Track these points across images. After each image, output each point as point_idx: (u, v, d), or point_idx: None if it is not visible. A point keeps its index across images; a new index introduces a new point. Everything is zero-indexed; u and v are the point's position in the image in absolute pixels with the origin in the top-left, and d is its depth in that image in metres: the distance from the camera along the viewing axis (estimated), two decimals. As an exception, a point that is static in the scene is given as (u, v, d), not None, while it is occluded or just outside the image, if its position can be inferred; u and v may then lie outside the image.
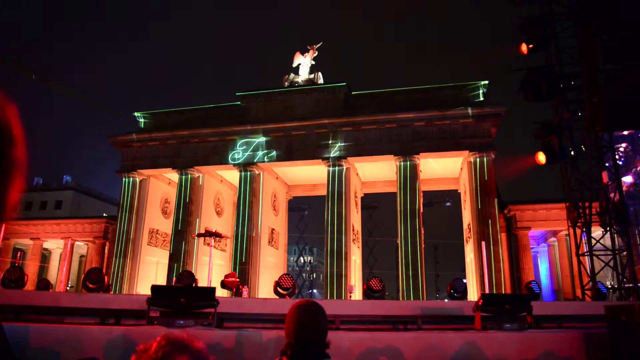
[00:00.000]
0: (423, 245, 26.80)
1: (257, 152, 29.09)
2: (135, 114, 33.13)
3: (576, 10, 18.75)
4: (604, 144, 18.64)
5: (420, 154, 26.99)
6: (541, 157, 18.65)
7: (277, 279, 12.68)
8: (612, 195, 17.90)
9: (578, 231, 18.75)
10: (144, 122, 32.90)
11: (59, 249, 42.46)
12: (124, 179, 31.52)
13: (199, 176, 30.85)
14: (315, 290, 70.24)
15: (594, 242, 18.01)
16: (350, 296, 20.34)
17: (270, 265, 30.74)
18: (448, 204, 37.67)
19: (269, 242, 31.67)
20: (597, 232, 18.90)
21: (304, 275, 55.24)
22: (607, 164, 18.72)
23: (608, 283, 20.23)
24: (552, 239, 32.97)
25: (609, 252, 17.60)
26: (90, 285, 12.66)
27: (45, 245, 41.11)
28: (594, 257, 17.92)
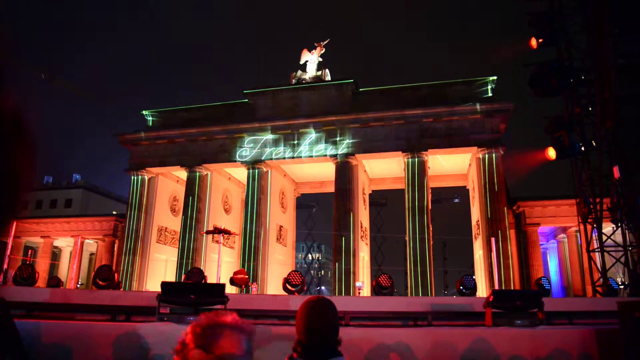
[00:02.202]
0: (431, 242, 26.71)
1: (265, 150, 29.11)
2: (144, 112, 33.26)
3: (586, 4, 18.57)
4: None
5: (429, 150, 26.87)
6: (551, 153, 18.54)
7: (286, 276, 12.70)
8: (623, 190, 17.72)
9: (588, 227, 18.59)
10: (152, 120, 33.03)
11: (69, 247, 42.81)
12: (132, 177, 31.69)
13: (207, 174, 30.94)
14: (323, 287, 70.29)
15: (604, 238, 17.85)
16: (359, 293, 20.35)
17: (279, 262, 30.80)
18: (456, 200, 37.47)
19: (277, 239, 31.72)
20: (607, 228, 18.72)
21: (312, 272, 55.29)
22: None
23: (618, 279, 20.08)
24: (562, 235, 32.71)
25: (620, 248, 17.43)
26: (101, 283, 12.75)
27: (56, 243, 41.49)
28: (605, 253, 17.77)
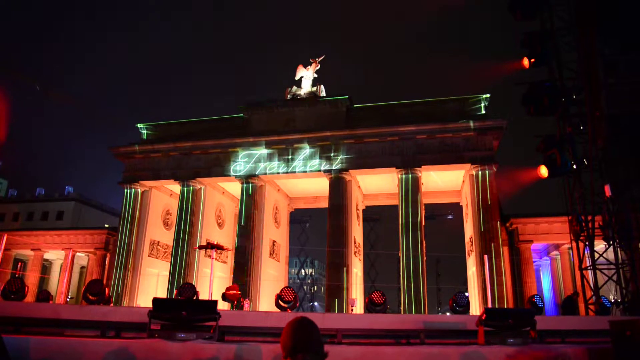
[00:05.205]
0: (425, 258, 26.67)
1: (259, 164, 29.14)
2: (138, 125, 33.28)
3: (577, 24, 18.91)
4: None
5: (422, 166, 27.00)
6: (543, 171, 18.69)
7: (278, 292, 12.61)
8: (614, 208, 17.82)
9: (581, 245, 18.66)
10: (147, 133, 33.03)
11: (59, 260, 42.37)
12: (125, 190, 31.56)
13: (200, 188, 30.87)
14: (316, 303, 69.82)
15: (597, 255, 17.91)
16: (352, 309, 20.23)
17: (272, 278, 30.61)
18: (450, 217, 37.55)
19: (270, 254, 31.59)
20: (599, 245, 18.80)
21: (305, 287, 54.99)
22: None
23: (611, 297, 20.08)
24: (555, 252, 32.80)
25: (612, 266, 17.49)
26: (91, 297, 12.60)
27: (46, 256, 41.05)
28: (597, 271, 17.81)
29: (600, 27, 17.88)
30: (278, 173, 29.05)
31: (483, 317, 7.99)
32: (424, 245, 26.75)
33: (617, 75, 17.64)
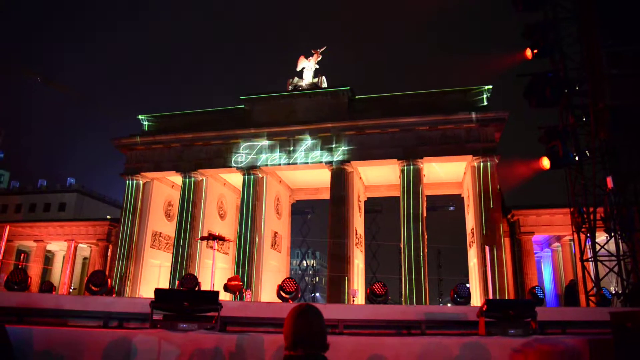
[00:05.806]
0: (426, 250, 26.72)
1: (261, 156, 29.13)
2: (140, 116, 33.24)
3: (580, 15, 18.76)
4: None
5: (424, 158, 26.97)
6: (545, 162, 18.66)
7: (280, 283, 12.64)
8: (616, 200, 17.79)
9: (582, 236, 18.66)
10: (148, 125, 33.00)
11: (62, 251, 42.57)
12: (127, 182, 31.60)
13: (202, 179, 30.90)
14: (318, 294, 70.01)
15: (598, 247, 17.91)
16: (354, 300, 20.30)
17: (273, 269, 30.73)
18: (451, 208, 37.48)
19: (272, 245, 31.67)
20: (600, 237, 18.80)
21: (306, 278, 55.19)
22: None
23: (612, 289, 20.12)
24: (556, 244, 32.82)
25: (614, 258, 17.50)
26: (94, 288, 12.65)
27: (49, 247, 41.24)
28: (598, 263, 17.83)
29: (603, 18, 17.74)
30: (279, 164, 29.05)
31: (484, 308, 8.01)
32: (425, 236, 26.78)
33: (621, 66, 17.53)
